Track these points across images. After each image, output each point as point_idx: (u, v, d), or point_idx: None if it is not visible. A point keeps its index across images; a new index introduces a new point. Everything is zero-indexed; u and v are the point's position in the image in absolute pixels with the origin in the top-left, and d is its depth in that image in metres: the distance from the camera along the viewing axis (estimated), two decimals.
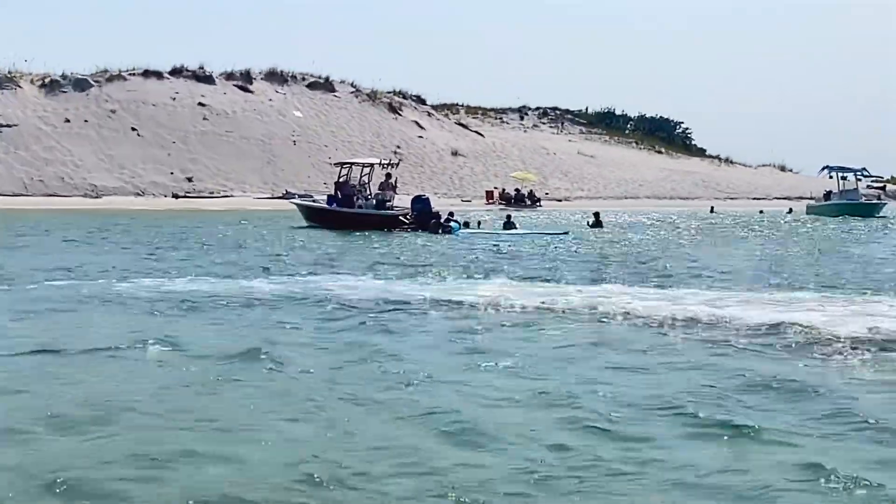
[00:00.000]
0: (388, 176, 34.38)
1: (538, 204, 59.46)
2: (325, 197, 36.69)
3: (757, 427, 6.80)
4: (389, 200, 33.67)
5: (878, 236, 33.72)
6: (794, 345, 10.14)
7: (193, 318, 11.80)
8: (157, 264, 18.88)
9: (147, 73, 66.41)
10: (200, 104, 65.04)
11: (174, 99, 64.73)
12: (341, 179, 34.71)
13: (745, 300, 13.58)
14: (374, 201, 33.58)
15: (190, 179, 58.35)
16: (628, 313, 12.24)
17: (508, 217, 34.49)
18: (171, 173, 58.43)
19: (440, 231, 30.73)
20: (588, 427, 6.87)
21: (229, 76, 69.93)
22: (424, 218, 32.04)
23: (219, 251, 22.68)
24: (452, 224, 31.67)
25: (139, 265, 18.57)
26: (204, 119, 64.01)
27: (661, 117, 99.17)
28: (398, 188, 36.03)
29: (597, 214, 36.19)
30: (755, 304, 13.18)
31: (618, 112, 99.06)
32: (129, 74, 65.87)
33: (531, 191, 61.71)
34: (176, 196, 55.77)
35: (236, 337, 10.39)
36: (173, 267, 18.17)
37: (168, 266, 18.42)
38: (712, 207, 60.73)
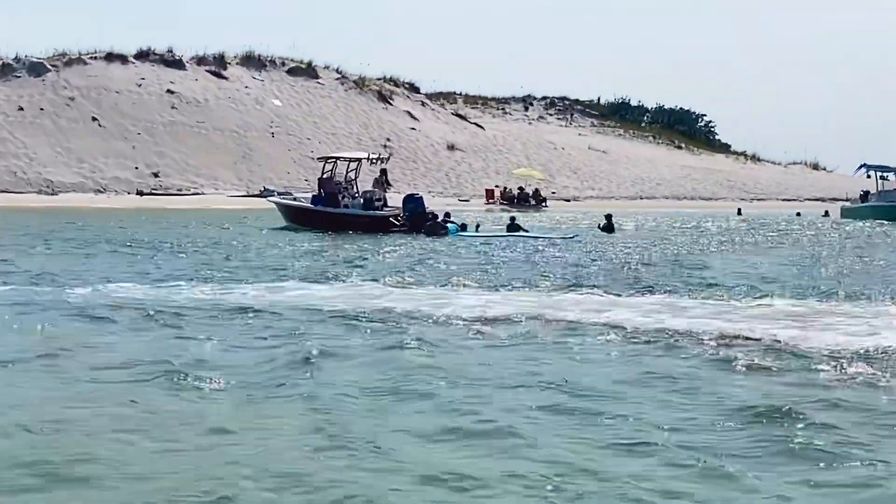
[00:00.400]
0: (384, 172, 34.55)
1: (544, 204, 59.35)
2: (308, 195, 36.80)
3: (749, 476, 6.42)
4: (379, 199, 33.70)
5: None
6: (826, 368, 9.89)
7: (116, 328, 12.12)
8: (111, 269, 19.21)
9: (110, 57, 66.69)
10: (169, 91, 65.22)
11: (140, 86, 64.93)
12: (325, 175, 34.73)
13: (758, 314, 13.44)
14: (362, 200, 33.60)
15: (156, 175, 58.44)
16: (636, 329, 12.13)
17: (513, 219, 34.46)
18: (136, 168, 58.56)
19: (438, 233, 30.73)
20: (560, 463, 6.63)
21: (201, 61, 70.21)
22: (417, 219, 32.10)
23: (184, 255, 22.89)
24: (450, 225, 31.74)
25: (91, 270, 18.94)
26: (172, 108, 64.16)
27: (681, 109, 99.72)
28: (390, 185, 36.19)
29: (608, 217, 36.14)
30: (775, 318, 13.08)
31: (633, 103, 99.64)
32: (90, 58, 66.09)
33: (536, 190, 61.55)
34: (140, 193, 55.90)
35: (154, 350, 10.46)
36: (124, 272, 18.52)
37: (120, 272, 18.75)
38: (739, 209, 60.69)
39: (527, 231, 32.69)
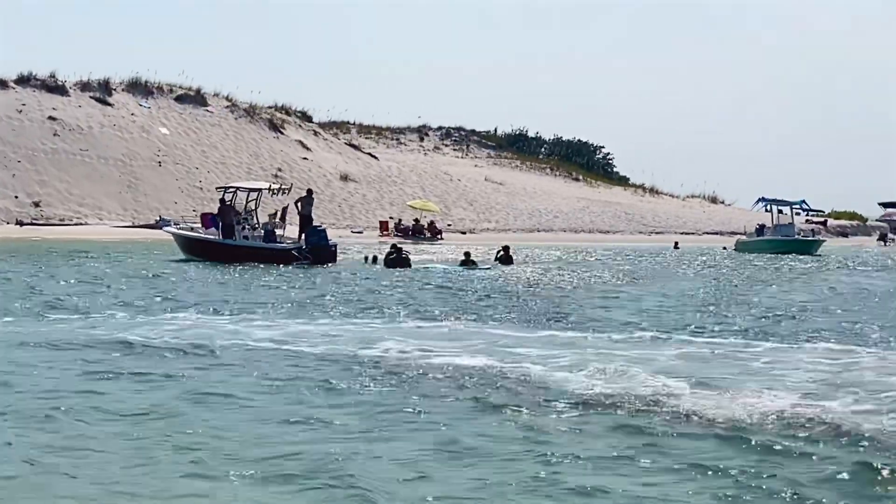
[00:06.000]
0: (285, 210, 36.20)
1: (439, 237, 61.03)
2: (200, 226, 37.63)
3: None
4: (281, 229, 35.22)
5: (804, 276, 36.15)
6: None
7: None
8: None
9: None
10: (51, 118, 65.50)
11: (20, 112, 65.10)
12: (225, 206, 35.39)
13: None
14: (263, 232, 34.91)
15: (37, 204, 58.70)
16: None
17: (467, 255, 35.17)
18: (16, 197, 58.71)
19: (403, 265, 32.11)
20: None
21: (85, 86, 70.49)
22: (320, 251, 33.76)
23: (57, 289, 23.04)
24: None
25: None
26: (55, 135, 64.42)
27: (579, 141, 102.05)
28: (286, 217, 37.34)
29: (506, 248, 37.88)
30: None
31: (531, 134, 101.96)
32: None
33: (431, 221, 63.32)
34: (20, 223, 55.92)
35: None
36: None
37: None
38: (676, 243, 63.34)
39: (476, 265, 33.69)
